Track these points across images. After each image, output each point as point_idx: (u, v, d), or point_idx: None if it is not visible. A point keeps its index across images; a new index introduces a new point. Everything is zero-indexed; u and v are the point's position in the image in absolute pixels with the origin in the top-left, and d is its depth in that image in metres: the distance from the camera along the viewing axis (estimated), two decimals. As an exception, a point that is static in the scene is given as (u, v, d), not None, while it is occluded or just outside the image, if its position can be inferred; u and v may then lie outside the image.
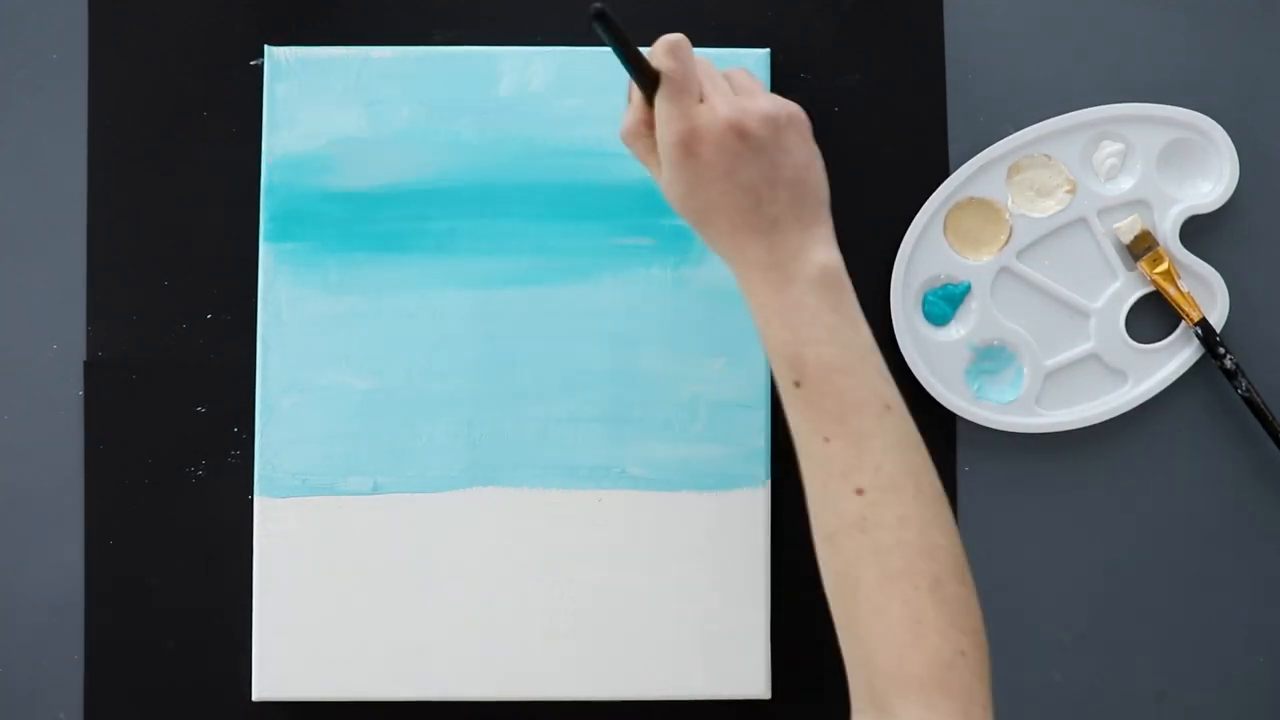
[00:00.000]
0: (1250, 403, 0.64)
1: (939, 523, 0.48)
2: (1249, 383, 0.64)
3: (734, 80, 0.52)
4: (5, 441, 0.65)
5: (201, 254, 0.65)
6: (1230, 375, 0.64)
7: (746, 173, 0.49)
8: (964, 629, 0.46)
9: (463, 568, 0.62)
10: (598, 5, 0.48)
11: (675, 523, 0.63)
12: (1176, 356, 0.65)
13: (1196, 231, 0.65)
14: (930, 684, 0.45)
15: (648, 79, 0.50)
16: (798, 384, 0.48)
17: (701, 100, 0.50)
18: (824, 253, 0.50)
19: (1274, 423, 0.64)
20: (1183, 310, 0.64)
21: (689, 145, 0.49)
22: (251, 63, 0.65)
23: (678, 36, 0.50)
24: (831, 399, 0.48)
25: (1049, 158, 0.65)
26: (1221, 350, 0.64)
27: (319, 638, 0.62)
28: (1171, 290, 0.64)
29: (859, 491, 0.47)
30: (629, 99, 0.53)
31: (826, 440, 0.48)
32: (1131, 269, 0.65)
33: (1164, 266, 0.64)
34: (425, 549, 0.62)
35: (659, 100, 0.50)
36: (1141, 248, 0.64)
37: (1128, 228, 0.64)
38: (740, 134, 0.49)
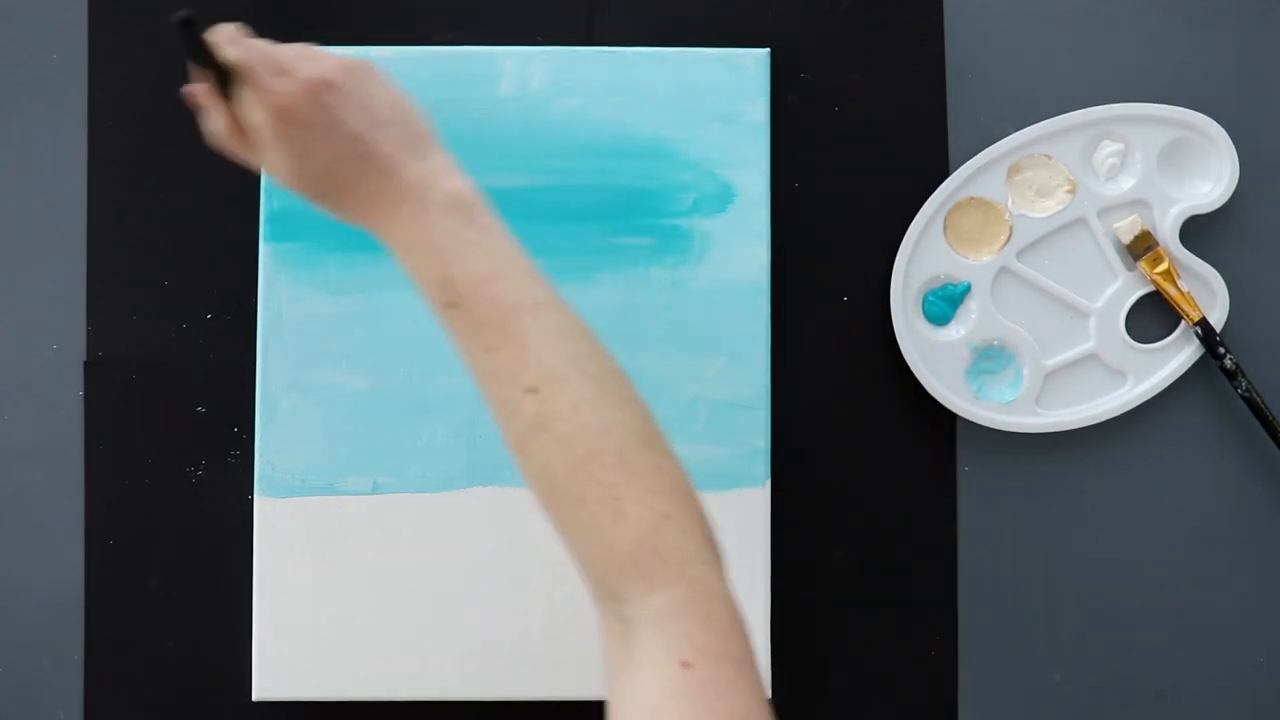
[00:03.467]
0: (1250, 402, 0.64)
1: (612, 399, 0.48)
2: (1249, 382, 0.64)
3: (295, 51, 0.52)
4: (5, 441, 0.65)
5: (201, 254, 0.65)
6: (1230, 375, 0.64)
7: (347, 123, 0.49)
8: (662, 492, 0.46)
9: (463, 568, 0.62)
10: (184, 14, 0.48)
11: (675, 523, 0.63)
12: (1176, 356, 0.65)
13: (1196, 231, 0.65)
14: (642, 555, 0.45)
15: (224, 74, 0.50)
16: (453, 305, 0.48)
17: (280, 73, 0.50)
18: (451, 180, 0.50)
19: (1274, 422, 0.64)
20: (1182, 310, 0.64)
21: (283, 114, 0.49)
22: (251, 63, 0.64)
23: (229, 27, 0.50)
24: (486, 309, 0.48)
25: (1049, 158, 0.65)
26: (1221, 350, 0.64)
27: (319, 638, 0.62)
28: (1171, 290, 0.64)
29: (530, 390, 0.47)
30: (204, 106, 0.52)
31: (490, 350, 0.48)
32: (1131, 269, 0.65)
33: (1164, 266, 0.64)
34: (425, 549, 0.62)
35: (241, 89, 0.50)
36: (1141, 248, 0.64)
37: (1127, 228, 0.64)
38: (327, 87, 0.49)
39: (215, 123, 0.51)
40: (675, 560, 0.45)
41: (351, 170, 0.50)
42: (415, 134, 0.51)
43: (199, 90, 0.51)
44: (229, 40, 0.50)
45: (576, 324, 0.49)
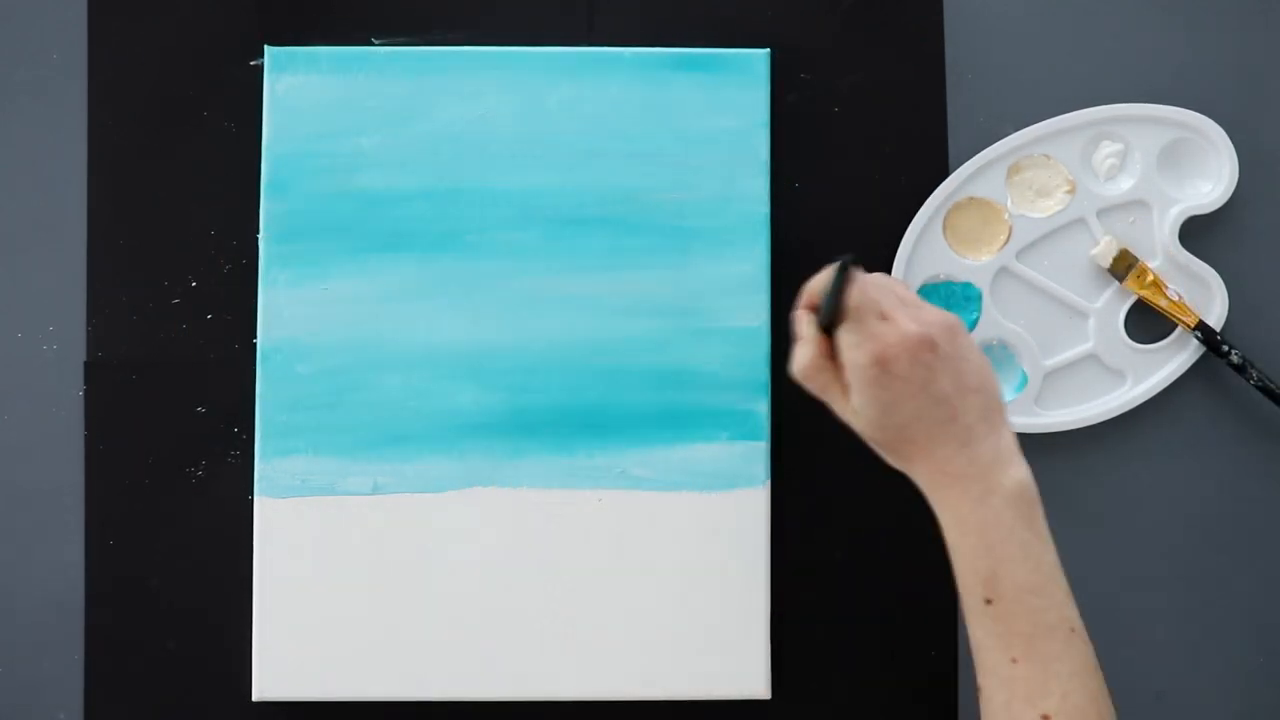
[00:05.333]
0: (1266, 390, 0.64)
1: None
2: (1259, 371, 0.64)
3: (896, 292, 0.52)
4: (5, 441, 0.65)
5: (201, 254, 0.65)
6: (1240, 369, 0.64)
7: (939, 384, 0.50)
8: None
9: (463, 568, 0.62)
10: (850, 256, 0.50)
11: (675, 523, 0.63)
12: (1176, 356, 0.65)
13: (1196, 231, 0.65)
14: None
15: (838, 313, 0.51)
16: (989, 601, 0.49)
17: (882, 318, 0.50)
18: (1019, 467, 0.50)
19: (1292, 408, 0.64)
20: (1176, 319, 0.64)
21: (884, 363, 0.49)
22: (251, 62, 0.65)
23: (865, 275, 0.51)
24: (1023, 620, 0.48)
25: (1048, 158, 0.65)
26: (1225, 347, 0.64)
27: (319, 638, 0.62)
28: (1161, 302, 0.64)
29: (1045, 717, 0.48)
30: (798, 335, 0.53)
31: (1014, 661, 0.48)
32: (1118, 289, 0.65)
33: (1150, 279, 0.64)
34: (425, 549, 0.62)
35: (844, 328, 0.50)
36: (1123, 267, 0.64)
37: (1104, 252, 0.64)
38: (929, 346, 0.49)
39: (805, 353, 0.52)
40: None
41: (932, 432, 0.50)
42: (994, 405, 0.51)
43: (803, 319, 0.52)
44: (872, 284, 0.51)
45: (1096, 660, 0.50)
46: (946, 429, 0.50)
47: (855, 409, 0.51)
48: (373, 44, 0.65)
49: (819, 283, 0.52)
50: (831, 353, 0.51)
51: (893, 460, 0.52)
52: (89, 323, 0.65)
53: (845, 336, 0.50)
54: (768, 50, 0.64)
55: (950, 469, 0.50)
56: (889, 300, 0.51)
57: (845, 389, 0.51)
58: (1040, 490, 0.65)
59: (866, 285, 0.51)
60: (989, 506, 0.49)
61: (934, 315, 0.51)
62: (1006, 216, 0.65)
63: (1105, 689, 0.50)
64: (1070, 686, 0.48)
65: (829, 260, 0.65)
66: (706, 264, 0.63)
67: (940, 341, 0.50)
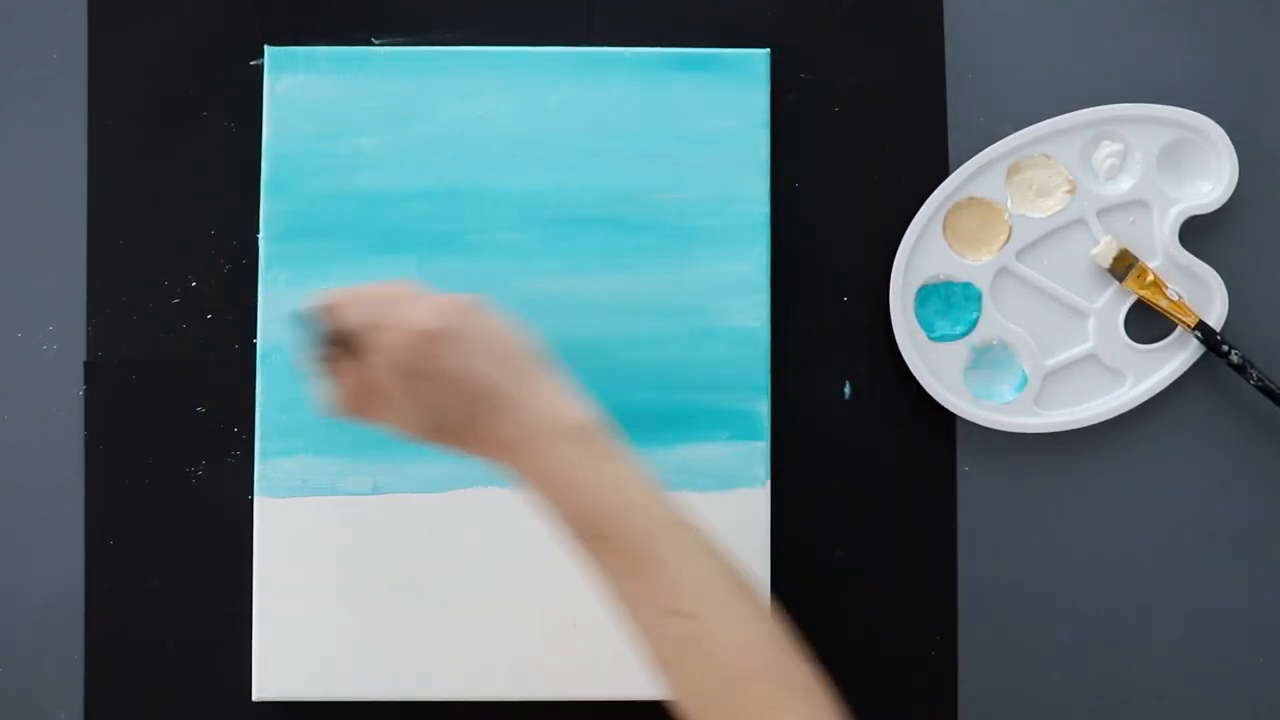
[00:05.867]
0: (1266, 390, 0.64)
1: (756, 612, 0.49)
2: (1259, 371, 0.64)
3: (394, 294, 0.52)
4: (5, 441, 0.65)
5: (201, 254, 0.65)
6: (1240, 369, 0.64)
7: (458, 367, 0.49)
8: (809, 698, 0.47)
9: (463, 568, 0.62)
10: (313, 305, 0.50)
11: (675, 523, 0.63)
12: (1176, 356, 0.65)
13: (1196, 231, 0.65)
14: None
15: (344, 344, 0.50)
16: (596, 537, 0.49)
17: (385, 329, 0.50)
18: (574, 408, 0.50)
19: (1292, 406, 0.64)
20: (1176, 319, 0.64)
21: (398, 372, 0.49)
22: (251, 62, 0.65)
23: (332, 293, 0.51)
24: (624, 538, 0.48)
25: (1048, 158, 0.65)
26: (1225, 347, 0.64)
27: (319, 638, 0.62)
28: (1162, 302, 0.64)
29: (676, 613, 0.48)
30: (322, 375, 0.52)
31: (632, 577, 0.48)
32: (1118, 289, 0.65)
33: (1150, 279, 0.64)
34: (425, 549, 0.62)
35: (355, 352, 0.50)
36: (1123, 267, 0.64)
37: (1104, 252, 0.64)
38: (433, 338, 0.49)
39: (344, 390, 0.51)
40: None
41: (472, 411, 0.50)
42: (530, 364, 0.51)
43: (318, 360, 0.51)
44: (341, 306, 0.50)
45: (708, 539, 0.49)
46: (484, 404, 0.49)
47: (400, 421, 0.51)
48: (373, 44, 0.65)
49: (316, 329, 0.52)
50: (360, 379, 0.51)
51: (464, 453, 0.52)
52: (89, 323, 0.65)
53: (359, 361, 0.50)
54: (768, 50, 0.64)
55: (502, 437, 0.50)
56: (382, 310, 0.50)
57: (385, 407, 0.51)
58: (1040, 490, 0.66)
59: (354, 306, 0.50)
60: (557, 454, 0.49)
61: (434, 305, 0.50)
62: (1006, 216, 0.65)
63: (732, 561, 0.49)
64: (695, 576, 0.48)
65: (828, 259, 0.65)
66: (706, 264, 0.63)
67: (444, 327, 0.49)
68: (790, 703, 0.47)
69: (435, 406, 0.50)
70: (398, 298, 0.51)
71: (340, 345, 0.51)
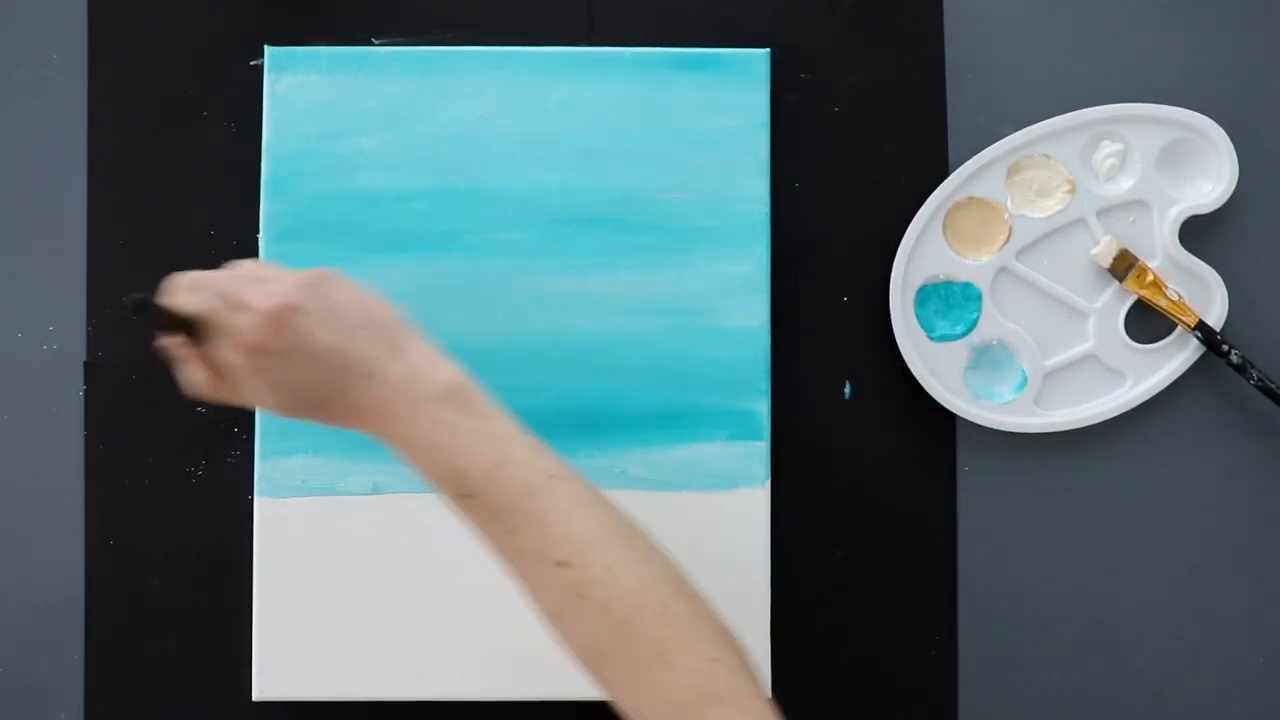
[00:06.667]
0: (1266, 390, 0.64)
1: (642, 555, 0.49)
2: (1260, 371, 0.64)
3: (247, 274, 0.52)
4: (5, 441, 0.65)
5: (201, 254, 0.65)
6: (1240, 369, 0.64)
7: (318, 340, 0.49)
8: (706, 637, 0.47)
9: (463, 568, 0.62)
10: (137, 296, 0.49)
11: (675, 523, 0.62)
12: (1176, 356, 0.65)
13: (1196, 231, 0.65)
14: (700, 702, 0.45)
15: (193, 327, 0.50)
16: (469, 496, 0.49)
17: (238, 308, 0.50)
18: (442, 368, 0.50)
19: (1292, 406, 0.64)
20: (1175, 319, 0.64)
21: (255, 349, 0.49)
22: (251, 62, 0.65)
23: (185, 276, 0.51)
24: (500, 494, 0.48)
25: (1048, 158, 0.65)
26: (1225, 346, 0.64)
27: (319, 638, 0.62)
28: (1161, 302, 0.64)
29: (561, 564, 0.48)
30: (173, 360, 0.52)
31: (512, 532, 0.49)
32: (1118, 289, 0.65)
33: (1150, 279, 0.64)
34: (425, 549, 0.62)
35: (210, 335, 0.50)
36: (1123, 267, 0.64)
37: (1104, 252, 0.64)
38: (290, 311, 0.49)
39: (194, 373, 0.51)
40: (732, 699, 0.46)
41: (336, 383, 0.50)
42: (391, 330, 0.51)
43: (171, 344, 0.51)
44: (189, 289, 0.50)
45: (589, 489, 0.50)
46: (347, 374, 0.49)
47: (258, 401, 0.51)
48: (373, 44, 0.65)
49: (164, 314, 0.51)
50: (212, 362, 0.51)
51: (330, 424, 0.51)
52: (89, 323, 0.65)
53: (213, 344, 0.50)
54: (768, 50, 0.64)
55: (372, 404, 0.50)
56: (237, 287, 0.50)
57: (240, 387, 0.51)
58: (1040, 490, 0.66)
59: (190, 292, 0.50)
60: (425, 416, 0.49)
61: (290, 279, 0.50)
62: (1006, 216, 0.65)
63: (611, 508, 0.49)
64: (570, 526, 0.48)
65: (828, 259, 0.65)
66: (706, 264, 0.63)
67: (301, 301, 0.49)
68: (688, 643, 0.46)
69: (292, 382, 0.49)
70: (245, 279, 0.51)
71: (182, 331, 0.50)
